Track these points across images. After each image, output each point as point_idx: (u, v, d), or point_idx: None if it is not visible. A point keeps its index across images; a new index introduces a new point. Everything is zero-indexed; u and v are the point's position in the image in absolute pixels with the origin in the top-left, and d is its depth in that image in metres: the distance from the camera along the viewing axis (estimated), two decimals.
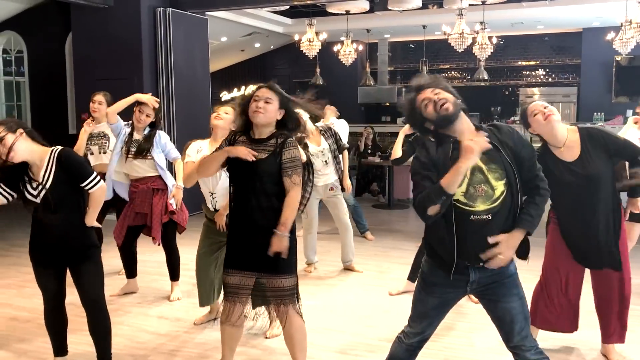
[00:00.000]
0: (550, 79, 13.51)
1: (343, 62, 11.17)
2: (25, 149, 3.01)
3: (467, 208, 2.42)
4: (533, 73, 13.70)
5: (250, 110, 2.96)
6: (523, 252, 2.52)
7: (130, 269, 4.84)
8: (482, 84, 13.01)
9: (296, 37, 10.21)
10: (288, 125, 3.09)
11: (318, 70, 12.79)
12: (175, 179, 4.62)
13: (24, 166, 3.05)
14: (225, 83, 16.58)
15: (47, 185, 3.02)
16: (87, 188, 3.11)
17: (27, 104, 9.22)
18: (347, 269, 5.45)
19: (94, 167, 5.30)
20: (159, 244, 4.54)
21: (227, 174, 3.20)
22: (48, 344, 3.70)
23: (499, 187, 2.42)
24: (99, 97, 5.20)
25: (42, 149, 3.07)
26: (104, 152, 5.13)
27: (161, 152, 4.58)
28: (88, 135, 5.17)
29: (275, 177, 2.98)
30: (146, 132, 4.57)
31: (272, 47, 15.39)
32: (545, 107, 3.21)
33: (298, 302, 3.12)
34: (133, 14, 7.68)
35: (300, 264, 5.46)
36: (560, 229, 3.34)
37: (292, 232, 3.06)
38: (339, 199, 5.34)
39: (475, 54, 10.16)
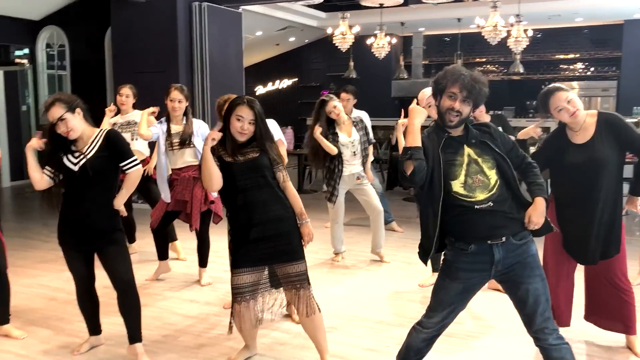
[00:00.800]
0: (589, 73, 13.25)
1: (376, 56, 11.19)
2: (80, 127, 3.21)
3: (469, 200, 2.56)
4: (571, 67, 13.45)
5: (234, 129, 3.06)
6: (546, 228, 2.63)
7: (162, 251, 5.01)
8: (518, 77, 12.85)
9: (329, 31, 10.26)
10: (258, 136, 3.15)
11: (352, 63, 12.83)
12: None
13: (70, 141, 3.24)
14: (260, 77, 16.75)
15: (89, 156, 3.19)
16: (125, 168, 3.29)
17: None
18: (376, 257, 5.51)
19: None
20: (194, 231, 4.69)
21: None
22: (84, 323, 3.91)
23: (493, 175, 2.58)
24: (126, 90, 5.49)
25: (91, 128, 3.28)
26: (136, 139, 5.32)
27: (202, 140, 4.68)
28: (117, 125, 5.41)
29: (271, 170, 3.14)
30: (183, 121, 4.71)
31: (306, 41, 15.48)
32: (568, 102, 3.17)
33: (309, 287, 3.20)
34: (170, 8, 7.87)
35: (328, 254, 5.57)
36: (557, 214, 3.32)
37: (296, 219, 3.20)
38: (367, 186, 5.38)
39: (510, 47, 10.06)
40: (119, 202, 3.33)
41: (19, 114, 9.99)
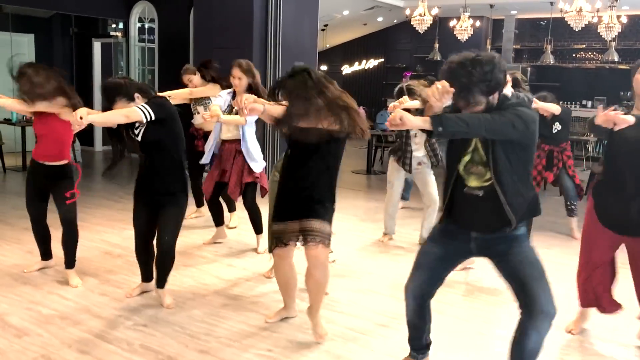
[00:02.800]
0: None
1: (459, 38, 10.97)
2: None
3: (463, 181, 2.62)
4: None
5: None
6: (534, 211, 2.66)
7: (218, 218, 5.34)
8: (613, 66, 12.14)
9: (407, 12, 10.17)
10: None
11: (437, 45, 12.64)
12: None
13: None
14: (347, 56, 16.86)
15: (144, 127, 3.57)
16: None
17: (156, 68, 10.11)
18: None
19: (199, 126, 5.91)
20: (236, 199, 4.98)
21: None
22: (130, 277, 4.32)
23: (487, 173, 2.56)
24: (187, 77, 5.82)
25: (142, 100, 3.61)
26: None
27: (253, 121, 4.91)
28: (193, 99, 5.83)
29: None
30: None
31: (395, 21, 15.36)
32: None
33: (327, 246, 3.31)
34: None
35: (377, 233, 5.66)
36: (599, 188, 3.33)
37: (334, 198, 3.33)
38: (428, 173, 5.39)
39: (601, 34, 9.54)
40: (92, 118, 3.33)
41: None
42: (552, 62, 11.73)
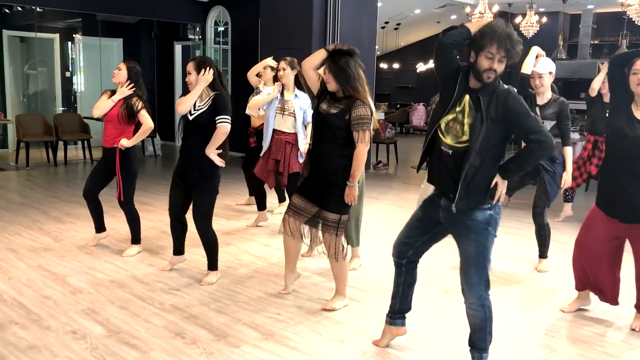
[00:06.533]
0: None
1: (524, 35, 10.92)
2: (202, 87, 4.07)
3: (441, 137, 2.85)
4: None
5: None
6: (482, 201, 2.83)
7: (260, 203, 5.92)
8: None
9: (467, 10, 10.28)
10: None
11: None
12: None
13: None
14: (421, 54, 17.02)
15: (201, 110, 4.07)
16: (216, 122, 4.05)
17: (229, 68, 10.84)
18: None
19: (254, 120, 6.44)
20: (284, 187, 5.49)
21: None
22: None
23: (466, 135, 2.77)
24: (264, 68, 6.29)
25: (209, 90, 4.11)
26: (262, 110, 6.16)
27: (302, 114, 5.39)
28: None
29: (343, 130, 3.60)
30: (296, 92, 5.39)
31: (470, 19, 15.35)
32: None
33: (344, 239, 3.75)
34: None
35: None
36: (602, 180, 3.55)
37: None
38: None
39: None
40: (208, 150, 4.07)
41: None
42: None
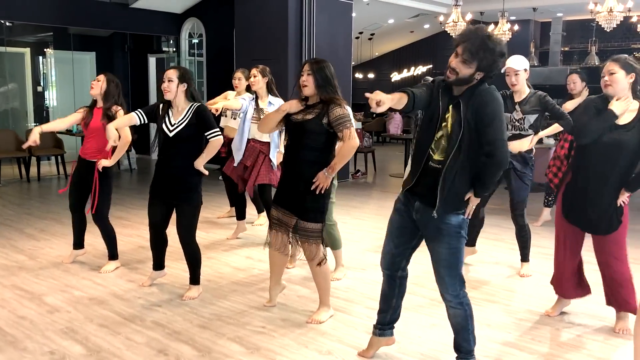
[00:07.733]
0: None
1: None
2: (178, 95, 4.01)
3: (431, 154, 2.83)
4: None
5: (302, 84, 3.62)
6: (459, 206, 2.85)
7: (240, 212, 5.86)
8: None
9: (441, 19, 10.39)
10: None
11: None
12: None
13: (168, 107, 4.08)
14: (395, 64, 17.15)
15: (182, 125, 3.99)
16: (208, 137, 4.02)
17: (205, 80, 10.77)
18: None
19: (228, 130, 6.39)
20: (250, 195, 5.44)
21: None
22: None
23: (447, 148, 2.76)
24: (238, 74, 6.23)
25: (187, 102, 4.06)
26: (234, 118, 6.12)
27: None
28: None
29: (321, 135, 3.58)
30: (270, 99, 5.34)
31: (443, 28, 15.49)
32: (611, 74, 3.37)
33: (323, 246, 3.71)
34: (282, 1, 8.61)
35: None
36: (570, 185, 3.58)
37: (327, 195, 3.67)
38: None
39: None
40: (200, 163, 4.03)
41: None
42: (597, 63, 11.61)
